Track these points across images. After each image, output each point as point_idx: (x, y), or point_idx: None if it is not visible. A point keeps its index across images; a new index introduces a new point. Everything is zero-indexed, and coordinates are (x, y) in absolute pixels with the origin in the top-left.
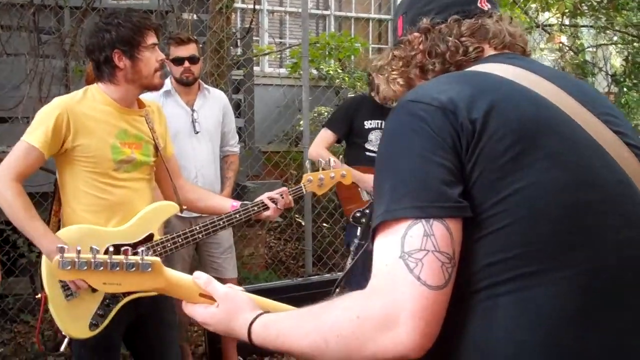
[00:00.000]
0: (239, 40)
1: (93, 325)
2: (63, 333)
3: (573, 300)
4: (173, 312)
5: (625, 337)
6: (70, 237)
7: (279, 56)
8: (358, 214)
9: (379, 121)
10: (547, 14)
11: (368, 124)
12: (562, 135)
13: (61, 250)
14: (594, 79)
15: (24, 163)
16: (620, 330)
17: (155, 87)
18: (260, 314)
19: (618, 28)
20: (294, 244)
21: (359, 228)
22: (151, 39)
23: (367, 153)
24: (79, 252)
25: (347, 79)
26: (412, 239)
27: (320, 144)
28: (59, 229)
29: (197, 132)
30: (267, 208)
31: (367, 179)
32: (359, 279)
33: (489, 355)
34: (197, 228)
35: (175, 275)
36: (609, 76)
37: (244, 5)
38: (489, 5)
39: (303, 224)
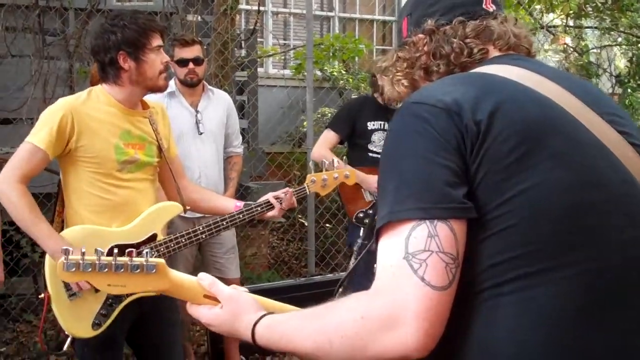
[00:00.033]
0: (243, 42)
1: (96, 325)
2: (66, 332)
3: (575, 300)
4: (176, 312)
5: (629, 336)
6: (74, 238)
7: (283, 57)
8: (361, 215)
9: (382, 122)
10: (551, 15)
11: (371, 125)
12: (567, 136)
13: (66, 252)
14: (598, 80)
15: (29, 164)
16: (624, 329)
17: (160, 89)
18: (264, 315)
19: (622, 29)
20: (296, 244)
21: (362, 228)
22: (156, 41)
23: (370, 154)
24: (83, 254)
25: (351, 80)
26: (416, 240)
27: (324, 145)
28: (62, 229)
29: (201, 133)
30: (270, 208)
31: (370, 180)
32: (361, 279)
33: (491, 355)
34: (201, 228)
35: (180, 277)
36: (614, 77)
37: (248, 7)
38: (494, 7)
39: (306, 224)
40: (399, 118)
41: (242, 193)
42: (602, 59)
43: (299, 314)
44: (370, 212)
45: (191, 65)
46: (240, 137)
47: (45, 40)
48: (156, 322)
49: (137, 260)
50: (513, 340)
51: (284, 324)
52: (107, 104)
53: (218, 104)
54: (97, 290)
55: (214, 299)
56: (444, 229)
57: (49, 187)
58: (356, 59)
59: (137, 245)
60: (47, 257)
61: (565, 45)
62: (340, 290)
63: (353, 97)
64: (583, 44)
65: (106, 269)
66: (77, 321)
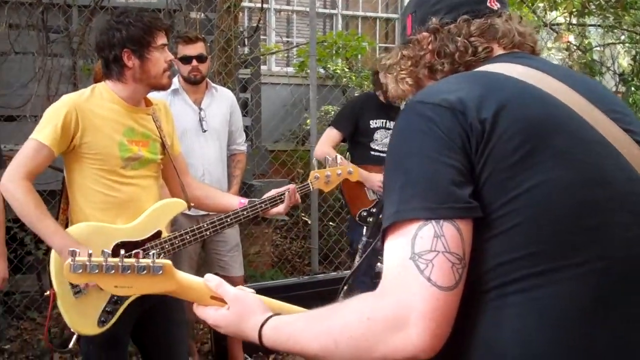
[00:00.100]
0: (246, 39)
1: (101, 322)
2: (72, 330)
3: (579, 300)
4: (181, 310)
5: (633, 334)
6: (78, 234)
7: (286, 55)
8: (364, 213)
9: (384, 120)
10: (554, 13)
11: (374, 123)
12: (571, 134)
13: (72, 253)
14: (601, 78)
15: (34, 161)
16: (628, 327)
17: (163, 87)
18: (271, 316)
19: (626, 27)
20: (300, 243)
21: (364, 227)
22: (161, 39)
23: (372, 152)
24: (90, 255)
25: (354, 78)
26: (423, 240)
27: (326, 143)
28: (67, 227)
29: (205, 131)
30: (275, 205)
31: (373, 178)
32: (363, 277)
33: (497, 355)
34: (205, 225)
35: (186, 278)
36: (617, 75)
37: (252, 4)
38: (499, 5)
39: (309, 222)
40: (404, 117)
41: (245, 191)
42: (606, 57)
43: (306, 315)
44: (374, 210)
45: (194, 62)
46: (244, 135)
47: (48, 38)
48: (161, 320)
49: (144, 261)
50: (518, 340)
51: (290, 325)
52: (111, 101)
53: (221, 102)
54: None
55: (220, 300)
56: (450, 228)
57: (53, 184)
58: (359, 56)
59: (142, 242)
60: (53, 254)
61: (568, 43)
62: (345, 288)
63: (356, 94)
64: (586, 42)
65: (113, 271)
66: (82, 318)
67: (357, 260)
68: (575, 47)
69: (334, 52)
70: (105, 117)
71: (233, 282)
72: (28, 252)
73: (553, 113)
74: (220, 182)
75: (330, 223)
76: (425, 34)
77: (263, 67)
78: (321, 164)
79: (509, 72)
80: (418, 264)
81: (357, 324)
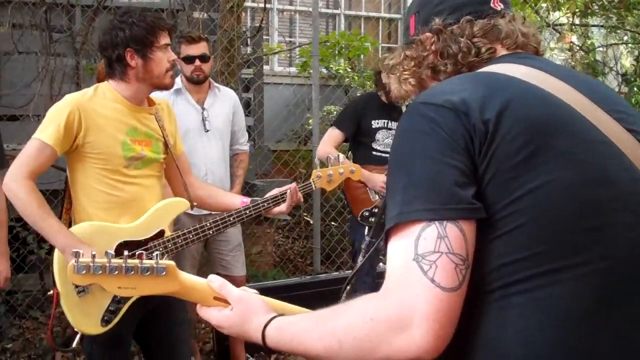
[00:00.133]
0: (249, 39)
1: (104, 321)
2: (75, 329)
3: (582, 300)
4: (184, 310)
5: (636, 334)
6: (82, 234)
7: (288, 55)
8: (366, 214)
9: (386, 120)
10: (557, 14)
11: (375, 124)
12: (574, 134)
13: (76, 255)
14: (604, 78)
15: (37, 160)
16: (631, 327)
17: (166, 87)
18: (274, 317)
19: (629, 28)
20: (302, 242)
21: (366, 227)
22: (164, 39)
23: (374, 152)
24: (94, 256)
25: (356, 78)
26: (426, 241)
27: (329, 143)
28: (70, 226)
29: (208, 131)
30: (277, 204)
31: (375, 179)
32: (364, 277)
33: (500, 355)
34: (208, 224)
35: (190, 279)
36: (620, 76)
37: (254, 4)
38: (502, 5)
39: (311, 222)
40: (407, 118)
41: (247, 191)
42: (609, 58)
43: (309, 316)
44: (375, 211)
45: (197, 62)
46: (247, 135)
47: (52, 37)
48: (165, 320)
49: (147, 262)
50: (521, 340)
51: (294, 326)
52: (114, 100)
53: (224, 101)
54: None
55: (224, 301)
56: (453, 229)
57: (55, 184)
58: (362, 56)
59: (145, 242)
60: (56, 254)
61: (571, 44)
62: (348, 288)
63: (358, 95)
64: (589, 43)
65: (116, 272)
66: (86, 318)
67: (360, 260)
68: (578, 48)
69: (336, 52)
70: (108, 116)
71: (235, 281)
72: (30, 251)
73: (556, 113)
74: (223, 182)
75: (332, 223)
76: (428, 34)
77: (265, 67)
78: (323, 164)
79: (512, 72)
80: (421, 265)
81: (361, 325)
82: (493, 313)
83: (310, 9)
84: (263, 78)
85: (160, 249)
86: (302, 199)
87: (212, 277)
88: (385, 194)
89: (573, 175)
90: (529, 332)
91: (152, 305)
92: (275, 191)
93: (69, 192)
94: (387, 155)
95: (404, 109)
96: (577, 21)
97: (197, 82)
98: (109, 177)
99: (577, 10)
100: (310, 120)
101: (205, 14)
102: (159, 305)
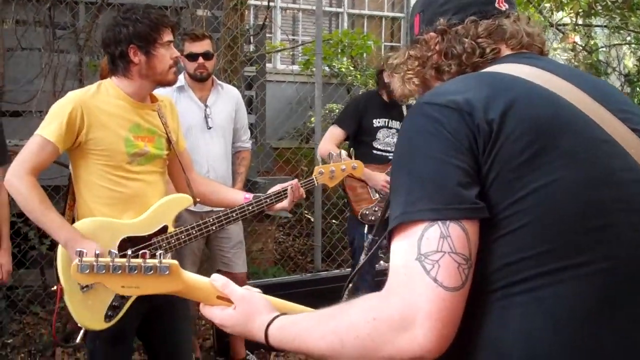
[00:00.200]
0: (252, 37)
1: (108, 317)
2: (79, 325)
3: (585, 300)
4: (187, 306)
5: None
6: (85, 230)
7: (291, 53)
8: (366, 212)
9: (387, 119)
10: (560, 14)
11: (376, 122)
12: (578, 134)
13: (80, 254)
14: (607, 78)
15: (39, 157)
16: (634, 327)
17: (169, 83)
18: (277, 316)
19: (632, 28)
20: (303, 240)
21: (366, 225)
22: (167, 36)
23: (375, 151)
24: (97, 255)
25: (359, 76)
26: (429, 240)
27: (330, 141)
28: (73, 222)
29: (210, 128)
30: (280, 200)
31: (376, 177)
32: (364, 275)
33: (503, 355)
34: (211, 220)
35: (193, 278)
36: (623, 76)
37: (258, 2)
38: (507, 6)
39: (312, 220)
40: (411, 118)
41: (249, 188)
42: (611, 58)
43: (312, 315)
44: (376, 209)
45: (201, 59)
46: (249, 132)
47: (55, 34)
48: (168, 317)
49: (151, 262)
50: (524, 340)
51: (296, 325)
52: (117, 97)
53: (227, 99)
54: None
55: (226, 300)
56: (456, 229)
57: (57, 179)
58: (364, 55)
59: (148, 237)
60: (60, 249)
61: (574, 44)
62: (350, 286)
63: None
64: (592, 43)
65: (120, 271)
66: (89, 313)
67: (363, 258)
68: (581, 48)
69: (339, 50)
70: (111, 113)
71: (236, 278)
72: (32, 246)
73: (560, 113)
74: (225, 180)
75: (333, 221)
76: (432, 34)
77: (268, 65)
78: (325, 163)
79: (516, 72)
80: (424, 265)
81: (364, 324)
82: (496, 312)
83: (314, 8)
84: (266, 76)
85: (164, 245)
86: (304, 195)
87: (215, 277)
88: (385, 192)
89: (577, 175)
90: (532, 331)
91: (155, 301)
92: (277, 187)
93: (72, 189)
94: (388, 154)
95: (404, 108)
96: (580, 21)
97: (200, 80)
98: (112, 173)
99: (580, 10)
100: (313, 118)
101: (209, 12)
102: (163, 302)
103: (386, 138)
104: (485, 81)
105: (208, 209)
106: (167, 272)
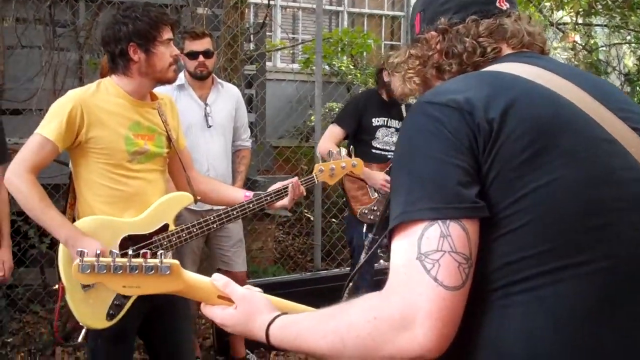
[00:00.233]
0: (252, 35)
1: (110, 316)
2: (80, 323)
3: (585, 299)
4: (188, 306)
5: (639, 333)
6: (86, 228)
7: (291, 52)
8: (365, 211)
9: (386, 118)
10: (561, 13)
11: (376, 121)
12: (579, 133)
13: (81, 254)
14: (607, 78)
15: (39, 155)
16: (634, 326)
17: (169, 81)
18: (278, 316)
19: (632, 27)
20: (302, 239)
21: (365, 224)
22: (167, 34)
23: (374, 150)
24: (98, 255)
25: (359, 75)
26: (429, 240)
27: (329, 140)
28: (74, 221)
29: (210, 126)
30: (280, 198)
31: (375, 176)
32: (364, 274)
33: (503, 354)
34: (212, 218)
35: (194, 278)
36: (622, 75)
37: (258, 0)
38: (508, 5)
39: (312, 218)
40: (412, 117)
41: (249, 187)
42: (612, 57)
43: (313, 315)
44: (375, 208)
45: (201, 58)
46: (249, 131)
47: (55, 32)
48: (169, 317)
49: (152, 261)
50: (524, 339)
51: (297, 324)
52: (116, 95)
53: (227, 97)
54: None
55: (227, 300)
56: (456, 228)
57: (57, 178)
58: (364, 54)
59: (149, 236)
60: (61, 248)
61: (574, 43)
62: (350, 285)
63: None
64: (592, 42)
65: (121, 271)
66: (91, 312)
67: (363, 257)
68: (581, 47)
69: (339, 49)
70: (111, 111)
71: (236, 277)
72: (32, 245)
73: (560, 112)
74: (225, 178)
75: (333, 220)
76: (433, 33)
77: (268, 64)
78: (324, 161)
79: (516, 71)
80: (424, 264)
81: (364, 324)
82: (496, 312)
83: (314, 6)
84: (266, 74)
85: (165, 243)
86: (304, 193)
87: (216, 276)
88: (384, 191)
89: (577, 174)
90: (532, 330)
91: (156, 301)
92: (277, 185)
93: (73, 187)
94: (387, 153)
95: (403, 107)
96: (580, 20)
97: (200, 78)
98: (113, 171)
99: (580, 9)
100: (313, 117)
101: (209, 10)
102: (163, 302)
103: (385, 137)
104: (486, 80)
105: (208, 207)
106: (168, 272)
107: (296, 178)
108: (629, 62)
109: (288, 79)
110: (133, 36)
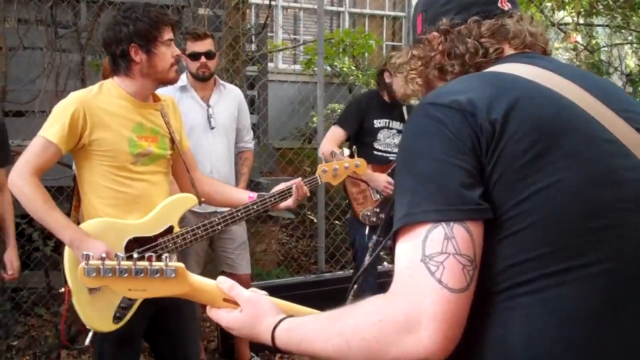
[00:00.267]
0: (253, 36)
1: (117, 318)
2: (87, 327)
3: (588, 301)
4: (193, 309)
5: None
6: (92, 230)
7: (293, 52)
8: (368, 213)
9: (387, 120)
10: (562, 13)
11: (377, 123)
12: (581, 134)
13: (86, 257)
14: (608, 78)
15: (42, 158)
16: (636, 327)
17: (171, 82)
18: (284, 318)
19: (634, 27)
20: (306, 241)
21: (367, 226)
22: (168, 34)
23: (376, 152)
24: (103, 259)
25: (360, 76)
26: (433, 242)
27: (331, 142)
28: (79, 224)
29: (213, 128)
30: (284, 198)
31: (378, 178)
32: (367, 278)
33: (508, 356)
34: (216, 219)
35: (199, 281)
36: (624, 76)
37: (259, 1)
38: (510, 5)
39: (315, 221)
40: (414, 119)
41: (252, 189)
42: (613, 58)
43: (318, 317)
44: (377, 210)
45: (203, 59)
46: (251, 132)
47: (57, 33)
48: (175, 319)
49: (157, 264)
50: (528, 341)
51: (303, 327)
52: (119, 97)
53: (229, 99)
54: None
55: (233, 303)
56: (460, 230)
57: (61, 180)
58: (366, 54)
59: (154, 238)
60: (67, 251)
61: (575, 43)
62: (355, 287)
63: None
64: (594, 42)
65: (126, 274)
66: (97, 315)
67: (367, 258)
68: (582, 47)
69: (341, 50)
70: (114, 113)
71: (240, 279)
72: (36, 248)
73: (563, 113)
74: (228, 180)
75: (337, 222)
76: (435, 34)
77: (270, 65)
78: (327, 162)
79: (519, 72)
80: (429, 266)
81: (369, 326)
82: (501, 314)
83: (315, 7)
84: (267, 75)
85: (170, 245)
86: (308, 193)
87: (222, 279)
88: (386, 193)
89: (578, 175)
90: (536, 332)
91: (162, 303)
92: (281, 186)
93: (77, 190)
94: (388, 154)
95: (404, 109)
96: (581, 21)
97: (202, 79)
98: (116, 173)
99: (582, 9)
100: (315, 118)
101: (211, 11)
102: (169, 304)
103: (387, 139)
104: (488, 81)
105: (212, 209)
106: (174, 275)
107: (300, 178)
108: (631, 62)
109: (290, 80)
110: (134, 37)
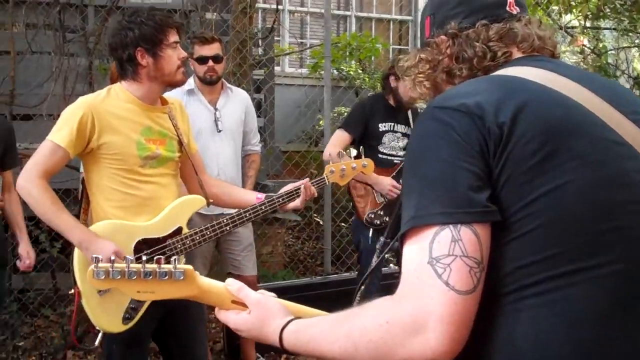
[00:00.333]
0: (260, 40)
1: (126, 319)
2: (97, 328)
3: (596, 302)
4: (202, 310)
5: None
6: (101, 232)
7: (299, 56)
8: (372, 216)
9: (392, 124)
10: (569, 16)
11: (382, 127)
12: (590, 136)
13: (95, 260)
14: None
15: (50, 161)
16: None
17: (177, 84)
18: (292, 320)
19: None
20: (312, 243)
21: (371, 229)
22: (173, 37)
23: (380, 155)
24: (112, 261)
25: (367, 79)
26: (440, 244)
27: (337, 145)
28: (88, 226)
29: (220, 131)
30: (292, 199)
31: (383, 181)
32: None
33: (516, 357)
34: (224, 220)
35: (207, 283)
36: (631, 79)
37: (267, 5)
38: (518, 9)
39: (322, 223)
40: (423, 122)
41: (259, 191)
42: (620, 61)
43: (326, 319)
44: (381, 213)
45: (210, 62)
46: (258, 136)
47: (65, 37)
48: (183, 320)
49: (166, 267)
50: (536, 343)
51: (311, 328)
52: (127, 101)
53: (237, 102)
54: None
55: (241, 304)
56: (467, 233)
57: (68, 183)
58: (372, 58)
59: (163, 239)
60: (76, 252)
61: (583, 47)
62: (362, 288)
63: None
64: (601, 45)
65: (135, 276)
66: (107, 316)
67: (375, 261)
68: (589, 51)
69: (347, 53)
70: (122, 117)
71: (246, 281)
72: (43, 249)
73: (572, 116)
74: (235, 182)
75: (343, 224)
76: (443, 37)
77: (277, 68)
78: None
79: (526, 75)
80: (436, 269)
81: (377, 328)
82: (508, 315)
83: (322, 11)
84: (274, 79)
85: (179, 246)
86: (315, 194)
87: (230, 281)
88: (391, 196)
89: (587, 177)
90: (544, 334)
91: (170, 305)
92: (289, 186)
93: (86, 193)
94: (393, 158)
95: (410, 113)
96: (588, 24)
97: (210, 83)
98: (125, 176)
99: (589, 13)
100: (322, 122)
101: (218, 15)
102: (177, 306)
103: (392, 142)
104: (496, 84)
105: (219, 211)
106: (182, 277)
107: (307, 179)
108: (638, 65)
109: (297, 83)
110: (140, 41)
